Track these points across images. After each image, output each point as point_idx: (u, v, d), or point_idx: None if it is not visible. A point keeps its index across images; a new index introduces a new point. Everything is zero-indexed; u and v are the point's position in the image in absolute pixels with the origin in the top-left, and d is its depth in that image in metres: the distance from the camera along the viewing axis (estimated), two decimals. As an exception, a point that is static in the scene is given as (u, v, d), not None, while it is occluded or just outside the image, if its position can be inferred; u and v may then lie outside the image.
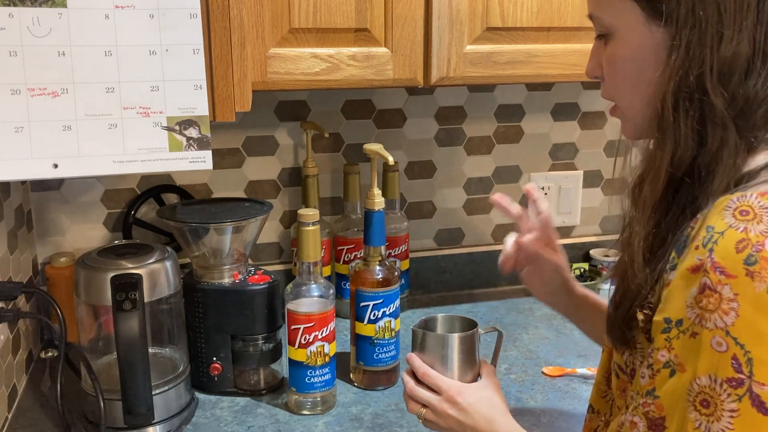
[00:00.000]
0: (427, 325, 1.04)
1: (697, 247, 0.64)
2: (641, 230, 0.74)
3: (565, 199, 1.81)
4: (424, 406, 0.97)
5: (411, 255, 1.67)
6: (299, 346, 1.20)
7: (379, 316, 1.28)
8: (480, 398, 0.94)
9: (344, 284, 1.54)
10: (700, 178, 0.70)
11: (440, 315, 1.06)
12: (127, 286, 1.06)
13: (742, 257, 0.61)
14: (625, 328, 0.75)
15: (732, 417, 0.61)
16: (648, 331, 0.71)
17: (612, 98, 0.81)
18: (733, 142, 0.69)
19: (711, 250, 0.63)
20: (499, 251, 1.17)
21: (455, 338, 0.98)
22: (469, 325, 1.03)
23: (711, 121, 0.69)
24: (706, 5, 0.68)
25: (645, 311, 0.72)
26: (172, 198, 1.56)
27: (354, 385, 1.32)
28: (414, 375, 0.99)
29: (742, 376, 0.61)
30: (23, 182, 1.40)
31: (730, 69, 0.68)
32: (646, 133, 0.79)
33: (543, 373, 1.37)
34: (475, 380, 0.99)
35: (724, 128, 0.69)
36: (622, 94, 0.79)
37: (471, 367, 0.99)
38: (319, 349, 1.20)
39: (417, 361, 0.99)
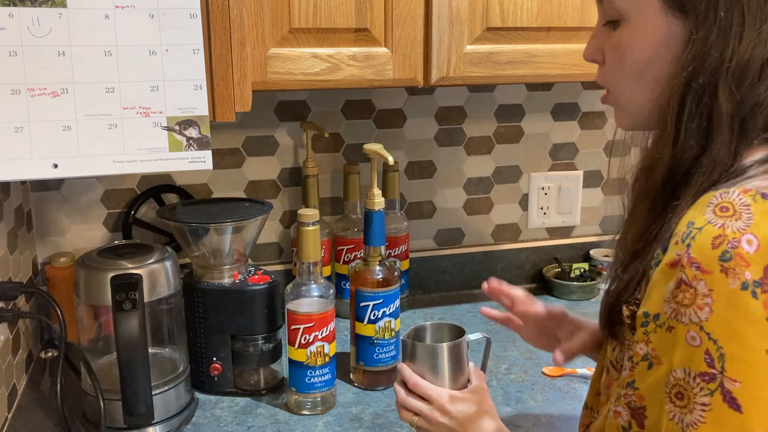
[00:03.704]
0: (417, 334, 1.05)
1: (676, 243, 0.65)
2: (634, 225, 0.75)
3: (565, 199, 1.81)
4: (416, 414, 0.98)
5: (411, 255, 1.67)
6: (299, 346, 1.20)
7: (379, 316, 1.28)
8: (469, 405, 0.96)
9: (344, 284, 1.54)
10: (690, 176, 0.70)
11: (428, 323, 1.07)
12: (127, 286, 1.06)
13: (717, 253, 0.62)
14: (611, 321, 0.76)
15: (703, 411, 0.62)
16: (632, 326, 0.72)
17: (611, 85, 0.79)
18: (734, 144, 0.68)
19: (688, 246, 0.63)
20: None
21: (444, 347, 1.00)
22: (458, 332, 1.04)
23: (717, 122, 0.68)
24: (731, 2, 0.67)
25: (631, 307, 0.73)
26: (172, 198, 1.56)
27: (354, 385, 1.32)
28: (405, 384, 1.01)
29: (714, 371, 0.62)
30: (23, 182, 1.40)
31: (743, 71, 0.67)
32: (642, 125, 0.78)
33: (543, 373, 1.37)
34: (465, 386, 1.00)
35: (728, 131, 0.68)
36: (624, 84, 0.76)
37: (461, 374, 1.01)
38: (319, 349, 1.20)
39: (407, 371, 1.00)
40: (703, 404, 0.62)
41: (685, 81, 0.69)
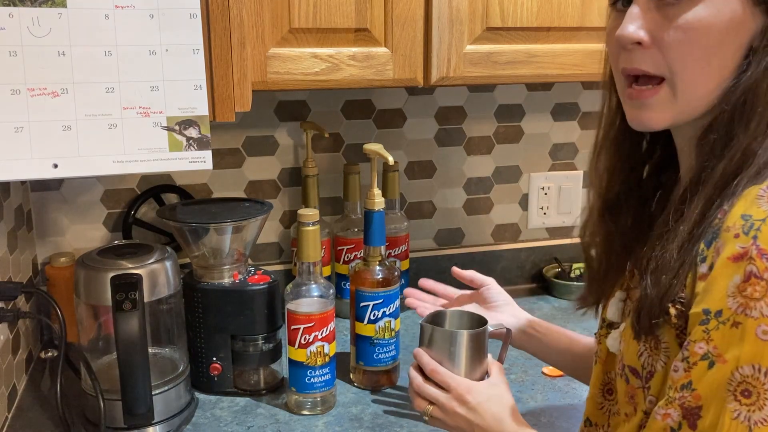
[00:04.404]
0: (436, 320, 1.02)
1: (737, 236, 0.63)
2: (686, 223, 0.71)
3: (565, 199, 1.81)
4: (431, 403, 0.96)
5: (411, 255, 1.67)
6: (299, 346, 1.20)
7: (379, 316, 1.28)
8: (490, 397, 0.93)
9: (344, 284, 1.54)
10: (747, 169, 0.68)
11: (449, 310, 1.04)
12: (127, 286, 1.06)
13: None
14: (653, 326, 0.72)
15: None
16: (679, 327, 0.70)
17: (669, 71, 0.71)
18: None
19: (755, 238, 0.62)
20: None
21: (464, 335, 0.96)
22: (479, 321, 1.01)
23: None
24: None
25: (677, 306, 0.70)
26: (172, 198, 1.56)
27: (354, 385, 1.32)
28: (421, 371, 0.98)
29: None
30: (23, 182, 1.40)
31: None
32: (685, 119, 0.73)
33: (543, 373, 1.36)
34: (482, 378, 0.97)
35: None
36: (687, 69, 0.70)
37: (479, 365, 0.98)
38: (319, 349, 1.20)
39: (425, 357, 0.97)
40: None
41: None
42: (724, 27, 0.68)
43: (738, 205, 0.65)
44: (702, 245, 0.67)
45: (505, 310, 1.16)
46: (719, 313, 0.64)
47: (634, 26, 0.71)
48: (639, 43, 0.71)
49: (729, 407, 0.63)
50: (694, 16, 0.68)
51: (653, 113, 0.73)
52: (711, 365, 0.64)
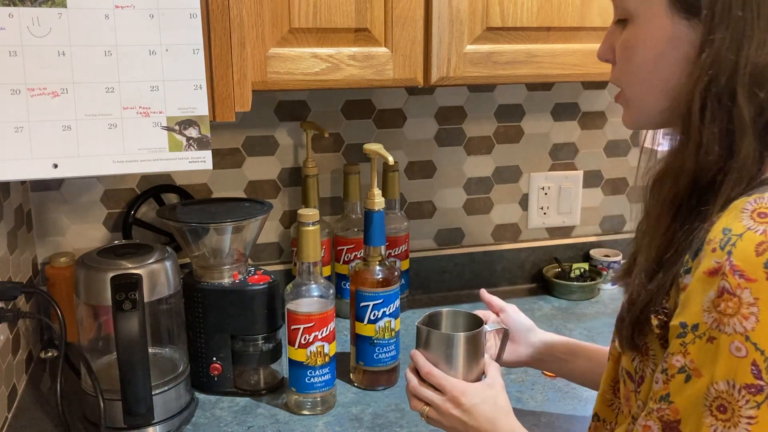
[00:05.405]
0: (432, 320, 1.02)
1: (714, 250, 0.63)
2: (658, 232, 0.73)
3: (565, 199, 1.81)
4: (428, 404, 0.96)
5: (411, 255, 1.67)
6: (299, 346, 1.20)
7: (379, 316, 1.28)
8: (484, 399, 0.94)
9: (344, 284, 1.54)
10: (717, 183, 0.68)
11: (445, 310, 1.04)
12: (127, 286, 1.06)
13: (762, 260, 0.60)
14: (635, 332, 0.73)
15: (750, 424, 0.61)
16: (663, 337, 0.70)
17: (620, 84, 0.79)
18: (756, 152, 0.67)
19: (729, 253, 0.61)
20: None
21: (461, 337, 0.97)
22: (475, 321, 1.01)
23: (740, 126, 0.66)
24: (746, 6, 0.65)
25: (660, 317, 0.70)
26: (172, 198, 1.56)
27: (354, 385, 1.32)
28: (417, 372, 0.98)
29: (761, 383, 0.60)
30: (23, 182, 1.40)
31: (762, 75, 0.66)
32: (648, 125, 0.79)
33: (543, 373, 1.36)
34: (479, 378, 0.98)
35: (752, 135, 0.66)
36: (632, 83, 0.77)
37: (476, 366, 0.98)
38: (319, 349, 1.20)
39: (421, 359, 0.98)
40: (750, 417, 0.60)
41: (705, 85, 0.67)
42: (655, 44, 0.72)
43: (723, 217, 0.65)
44: (687, 256, 0.67)
45: (523, 340, 1.15)
46: (696, 326, 0.64)
47: (602, 47, 0.81)
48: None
49: (706, 422, 0.63)
50: (628, 36, 0.75)
51: (624, 113, 0.81)
52: (688, 378, 0.64)
